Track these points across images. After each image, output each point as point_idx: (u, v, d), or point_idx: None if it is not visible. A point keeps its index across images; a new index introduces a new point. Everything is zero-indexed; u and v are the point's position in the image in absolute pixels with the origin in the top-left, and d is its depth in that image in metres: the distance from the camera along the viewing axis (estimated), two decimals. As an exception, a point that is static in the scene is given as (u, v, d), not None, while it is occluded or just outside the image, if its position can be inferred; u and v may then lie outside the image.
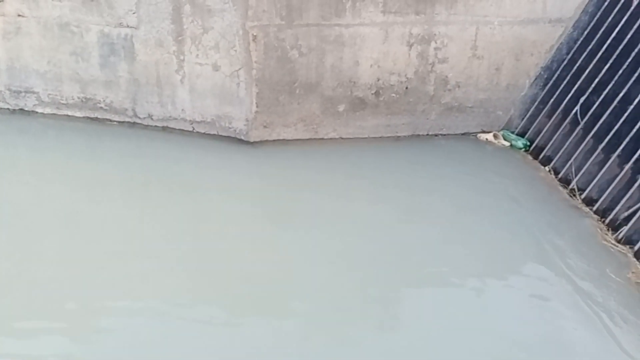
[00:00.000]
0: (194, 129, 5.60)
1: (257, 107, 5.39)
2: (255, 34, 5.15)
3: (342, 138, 5.66)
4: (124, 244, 4.21)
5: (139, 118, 5.66)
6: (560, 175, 5.12)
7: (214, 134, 5.56)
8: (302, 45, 5.25)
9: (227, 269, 4.03)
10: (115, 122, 5.69)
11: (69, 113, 5.74)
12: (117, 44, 5.40)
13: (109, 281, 3.85)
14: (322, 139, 5.64)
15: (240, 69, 5.27)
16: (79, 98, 5.68)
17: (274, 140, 5.55)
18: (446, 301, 3.88)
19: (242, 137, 5.51)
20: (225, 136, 5.54)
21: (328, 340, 3.52)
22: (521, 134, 5.69)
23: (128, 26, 5.32)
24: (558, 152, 5.22)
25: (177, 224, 4.46)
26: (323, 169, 5.22)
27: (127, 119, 5.68)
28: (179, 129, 5.61)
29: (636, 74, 4.77)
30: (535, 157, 5.46)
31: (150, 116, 5.64)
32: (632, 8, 5.05)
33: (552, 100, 5.47)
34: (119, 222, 4.45)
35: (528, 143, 5.59)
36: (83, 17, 5.36)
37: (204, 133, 5.57)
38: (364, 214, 4.66)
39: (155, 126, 5.65)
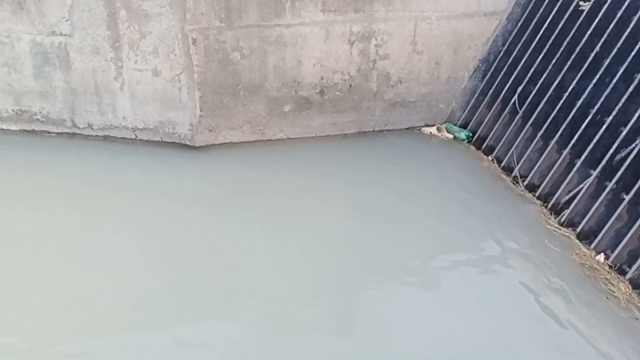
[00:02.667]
0: (136, 136, 5.47)
1: (201, 111, 5.32)
2: (194, 37, 5.08)
3: (289, 138, 5.66)
4: (68, 255, 4.09)
5: (79, 128, 5.49)
6: (503, 164, 5.26)
7: (158, 141, 5.46)
8: (243, 46, 5.21)
9: (177, 275, 3.96)
10: (53, 134, 5.52)
11: (4, 127, 5.53)
12: (51, 53, 5.22)
13: (53, 292, 3.75)
14: (270, 140, 5.62)
15: (181, 73, 5.18)
16: (13, 111, 5.47)
17: (220, 144, 5.49)
18: (397, 297, 3.90)
19: (188, 142, 5.43)
20: (169, 142, 5.45)
21: (281, 342, 3.50)
22: (463, 126, 5.82)
23: (61, 34, 5.15)
24: (500, 142, 5.36)
25: (124, 233, 4.36)
26: (271, 170, 5.20)
27: (66, 130, 5.51)
28: (121, 138, 5.48)
29: (569, 63, 4.95)
30: (478, 148, 5.59)
31: (90, 126, 5.48)
32: (562, -1, 5.24)
33: (491, 91, 5.62)
34: (62, 233, 4.33)
35: (470, 134, 5.72)
36: (13, 26, 5.16)
37: (147, 140, 5.46)
38: (314, 213, 4.66)
39: (96, 136, 5.50)
